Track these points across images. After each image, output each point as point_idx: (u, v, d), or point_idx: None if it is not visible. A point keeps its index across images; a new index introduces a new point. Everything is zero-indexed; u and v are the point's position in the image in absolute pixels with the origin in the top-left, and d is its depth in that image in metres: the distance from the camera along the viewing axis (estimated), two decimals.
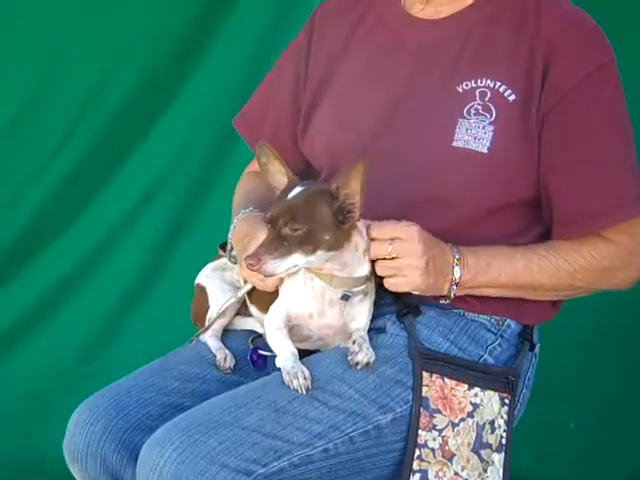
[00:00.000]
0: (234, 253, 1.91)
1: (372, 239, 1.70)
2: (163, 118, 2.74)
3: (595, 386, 2.64)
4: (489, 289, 1.79)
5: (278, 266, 1.62)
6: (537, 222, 1.85)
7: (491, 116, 1.78)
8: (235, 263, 1.93)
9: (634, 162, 1.81)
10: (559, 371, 2.56)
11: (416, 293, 1.74)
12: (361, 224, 1.70)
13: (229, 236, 1.91)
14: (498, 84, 1.79)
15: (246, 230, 1.84)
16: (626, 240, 1.79)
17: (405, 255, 1.69)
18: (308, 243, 1.63)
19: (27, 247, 2.76)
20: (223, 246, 1.98)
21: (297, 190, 1.67)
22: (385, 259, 1.70)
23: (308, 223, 1.63)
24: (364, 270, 1.73)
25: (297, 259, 1.63)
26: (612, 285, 1.84)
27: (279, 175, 1.72)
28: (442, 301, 1.78)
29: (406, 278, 1.70)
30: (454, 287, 1.75)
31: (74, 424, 1.80)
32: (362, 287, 1.74)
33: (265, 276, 1.66)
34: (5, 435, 2.77)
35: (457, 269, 1.74)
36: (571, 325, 2.45)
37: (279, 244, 1.62)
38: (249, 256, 1.62)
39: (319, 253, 1.65)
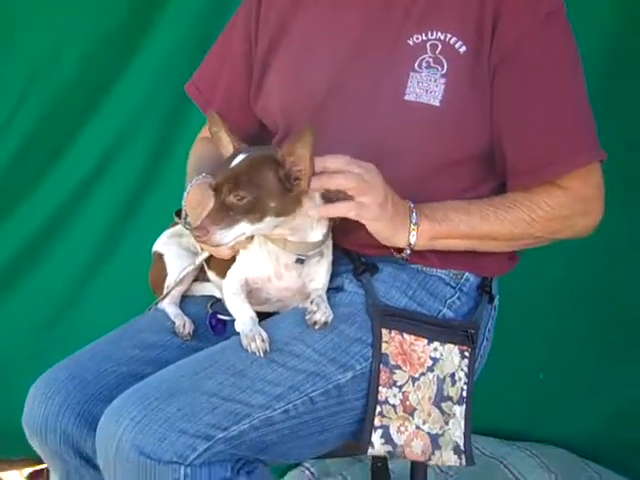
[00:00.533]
0: (189, 220, 1.89)
1: (322, 171, 1.63)
2: (116, 85, 2.69)
3: (563, 335, 2.64)
4: (449, 240, 1.77)
5: (225, 236, 1.60)
6: (491, 175, 1.84)
7: (442, 69, 1.76)
8: (190, 230, 1.91)
9: (587, 108, 1.80)
10: (526, 323, 2.57)
11: (377, 237, 1.71)
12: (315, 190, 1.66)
13: (183, 203, 1.89)
14: (449, 36, 1.77)
15: (199, 198, 1.81)
16: (581, 186, 1.79)
17: (364, 188, 1.63)
18: (254, 211, 1.61)
19: None
20: (179, 213, 1.95)
21: (241, 157, 1.64)
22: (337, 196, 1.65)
23: (253, 191, 1.60)
24: (317, 235, 1.71)
25: (244, 227, 1.61)
26: (572, 233, 1.84)
27: (229, 145, 1.70)
28: (402, 254, 1.76)
29: (366, 210, 1.65)
30: (414, 234, 1.72)
31: (32, 398, 1.78)
32: (316, 250, 1.73)
33: (213, 246, 1.64)
34: None
35: (414, 215, 1.73)
36: (535, 275, 2.46)
37: (225, 214, 1.60)
38: (197, 227, 1.61)
39: (267, 220, 1.63)
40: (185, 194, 1.89)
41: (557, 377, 2.65)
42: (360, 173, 1.65)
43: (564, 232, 1.83)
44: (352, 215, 1.67)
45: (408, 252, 1.75)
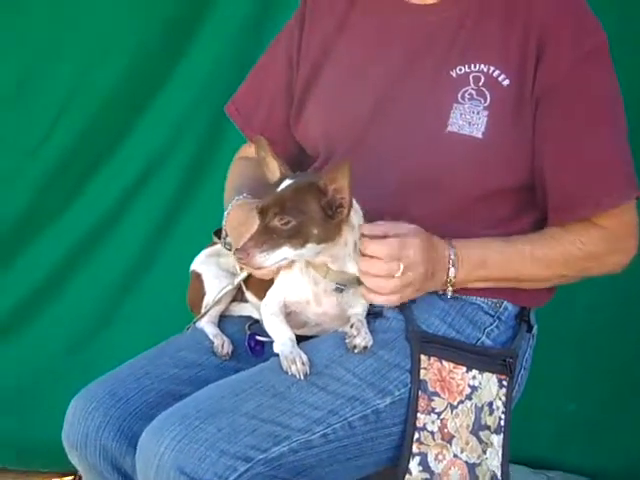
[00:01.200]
0: (229, 240, 1.91)
1: (363, 235, 1.68)
2: (155, 103, 2.72)
3: (595, 367, 2.63)
4: (482, 283, 1.80)
5: (266, 259, 1.62)
6: (531, 207, 1.84)
7: (485, 101, 1.77)
8: (230, 250, 1.92)
9: (626, 146, 1.81)
10: (558, 353, 2.57)
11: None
12: (354, 219, 1.69)
13: (223, 223, 1.91)
14: (492, 69, 1.78)
15: (241, 218, 1.83)
16: (616, 225, 1.79)
17: (406, 264, 1.66)
18: (297, 236, 1.63)
19: (19, 236, 2.74)
20: (218, 233, 1.97)
21: (287, 183, 1.67)
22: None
23: (297, 216, 1.63)
24: (354, 266, 1.72)
25: (286, 252, 1.63)
26: (603, 271, 1.85)
27: (276, 170, 1.73)
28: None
29: (410, 292, 1.69)
30: (449, 288, 1.75)
31: (72, 412, 1.80)
32: (354, 281, 1.73)
33: (254, 269, 1.66)
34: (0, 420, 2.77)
35: (452, 270, 1.75)
36: (569, 306, 2.45)
37: (268, 237, 1.62)
38: (238, 250, 1.62)
39: (308, 246, 1.65)
40: (225, 214, 1.91)
41: (588, 408, 2.64)
42: (398, 249, 1.65)
43: (595, 270, 1.84)
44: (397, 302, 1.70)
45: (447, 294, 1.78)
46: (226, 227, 1.90)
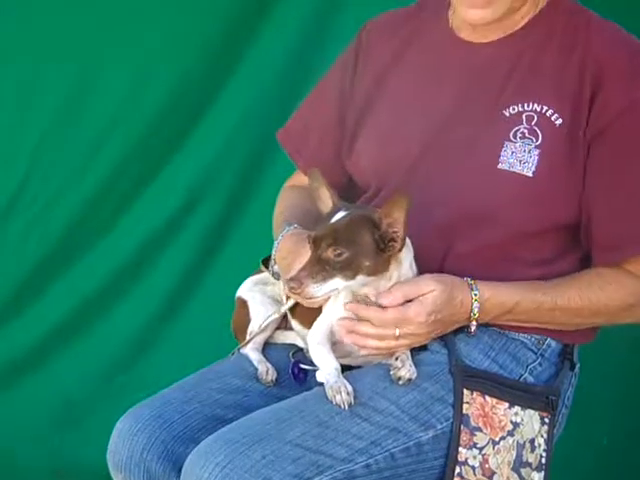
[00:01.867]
0: (277, 269, 1.93)
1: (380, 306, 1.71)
2: (199, 129, 2.73)
3: (628, 401, 2.62)
4: (510, 322, 1.81)
5: (319, 290, 1.65)
6: (575, 247, 1.85)
7: (537, 140, 1.79)
8: (278, 279, 1.95)
9: None
10: (591, 387, 2.55)
11: None
12: (402, 254, 1.71)
13: (273, 252, 1.93)
14: (545, 108, 1.79)
15: (291, 248, 1.85)
16: None
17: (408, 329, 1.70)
18: (349, 268, 1.65)
19: (65, 254, 2.77)
20: (265, 261, 1.99)
21: (341, 214, 1.69)
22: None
23: (350, 248, 1.65)
24: None
25: (337, 283, 1.66)
26: (633, 320, 1.85)
27: (328, 201, 1.75)
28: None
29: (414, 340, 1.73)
30: (473, 322, 1.76)
31: (118, 434, 1.82)
32: None
33: (306, 299, 1.68)
34: (42, 443, 2.79)
35: (474, 320, 1.76)
36: (606, 341, 2.44)
37: (321, 268, 1.65)
38: (292, 279, 1.64)
39: (359, 278, 1.67)
40: (275, 244, 1.93)
41: (621, 442, 2.62)
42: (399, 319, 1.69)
43: (626, 319, 1.85)
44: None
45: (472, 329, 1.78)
46: (275, 256, 1.92)
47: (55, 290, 2.79)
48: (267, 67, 2.68)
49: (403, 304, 1.70)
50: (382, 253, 1.67)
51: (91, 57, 2.70)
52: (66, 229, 2.76)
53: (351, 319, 1.74)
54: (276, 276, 1.94)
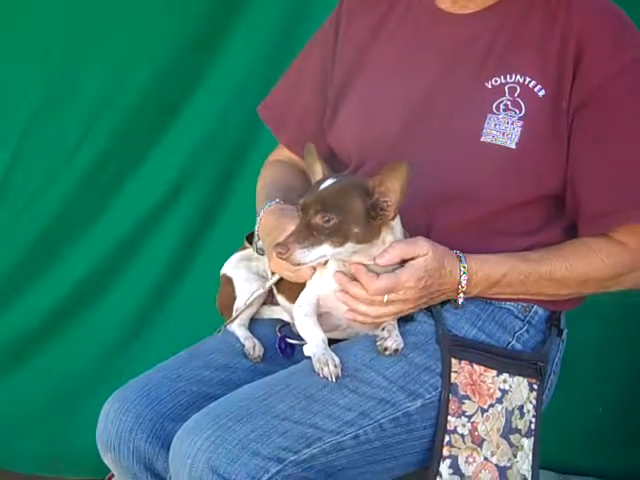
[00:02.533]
0: (260, 244, 1.92)
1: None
2: (185, 109, 2.71)
3: (623, 369, 2.62)
4: (497, 295, 1.81)
5: (306, 255, 1.63)
6: (560, 217, 1.85)
7: (520, 111, 1.77)
8: (262, 254, 1.94)
9: None
10: (585, 355, 2.55)
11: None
12: (395, 221, 1.70)
13: (256, 227, 1.92)
14: (528, 79, 1.78)
15: (274, 223, 1.84)
16: (638, 244, 1.79)
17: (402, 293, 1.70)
18: (338, 234, 1.64)
19: (54, 242, 2.76)
20: (249, 237, 1.99)
21: (330, 182, 1.68)
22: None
23: (339, 214, 1.64)
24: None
25: (325, 249, 1.64)
26: (621, 288, 1.84)
27: (320, 173, 1.74)
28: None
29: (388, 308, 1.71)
30: (461, 295, 1.76)
31: (106, 414, 1.82)
32: None
33: (293, 264, 1.66)
34: (36, 428, 2.80)
35: (462, 293, 1.75)
36: (594, 308, 2.44)
37: (308, 234, 1.63)
38: (278, 244, 1.63)
39: (348, 245, 1.66)
40: (258, 219, 1.92)
41: (617, 412, 2.62)
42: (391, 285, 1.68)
43: (615, 288, 1.84)
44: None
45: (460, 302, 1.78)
46: (259, 232, 1.91)
47: (45, 279, 2.79)
48: (245, 56, 2.68)
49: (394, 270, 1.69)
50: (373, 221, 1.66)
51: (70, 52, 2.68)
52: (53, 219, 2.75)
53: (345, 275, 1.73)
54: (260, 252, 1.93)
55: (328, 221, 1.63)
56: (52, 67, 2.69)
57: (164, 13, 2.65)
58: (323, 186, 1.68)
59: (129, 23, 2.65)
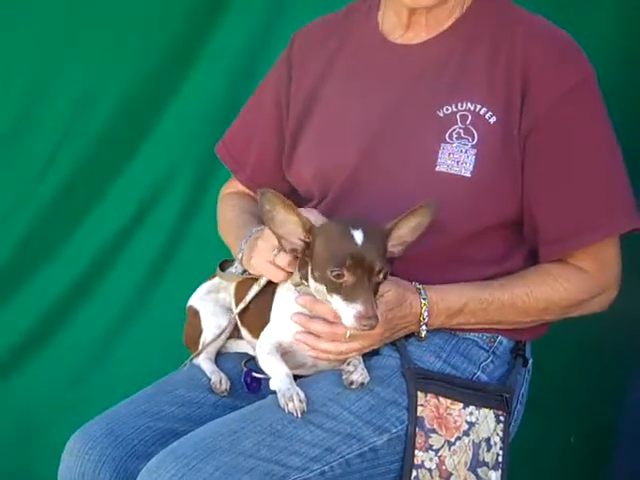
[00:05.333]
0: (239, 269, 1.91)
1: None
2: (150, 137, 2.69)
3: (593, 399, 2.62)
4: (460, 326, 1.82)
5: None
6: (521, 244, 1.85)
7: (473, 139, 1.78)
8: (242, 273, 1.91)
9: (620, 176, 1.81)
10: (554, 385, 2.56)
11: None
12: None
13: (239, 255, 1.89)
14: (478, 107, 1.79)
15: (268, 253, 1.79)
16: (597, 269, 1.80)
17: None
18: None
19: (15, 273, 2.73)
20: (222, 265, 1.98)
21: (361, 234, 1.63)
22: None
23: (388, 267, 1.65)
24: None
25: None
26: (584, 313, 1.86)
27: (289, 224, 1.67)
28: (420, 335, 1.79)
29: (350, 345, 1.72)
30: (423, 327, 1.77)
31: (69, 453, 1.79)
32: None
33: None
34: None
35: (424, 324, 1.77)
36: (563, 336, 2.45)
37: (373, 292, 1.63)
38: (370, 317, 1.58)
39: None
40: (243, 246, 1.88)
41: (589, 441, 2.62)
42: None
43: (577, 313, 1.85)
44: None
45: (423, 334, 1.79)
46: (254, 263, 1.82)
47: (10, 305, 2.74)
48: (214, 78, 2.67)
49: None
50: None
51: (34, 79, 2.65)
52: (15, 247, 2.72)
53: (304, 315, 1.72)
54: (246, 274, 1.90)
55: (385, 275, 1.64)
56: (15, 94, 2.67)
57: (129, 42, 2.64)
58: (359, 240, 1.62)
59: (94, 51, 2.64)
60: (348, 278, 1.61)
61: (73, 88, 2.66)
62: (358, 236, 1.63)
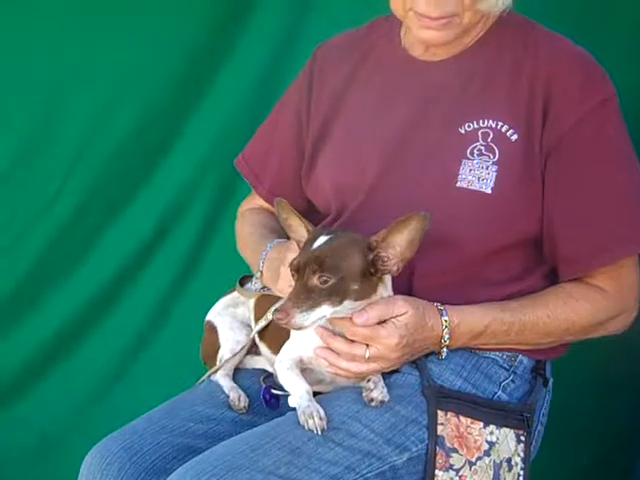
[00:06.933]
0: (258, 285, 1.91)
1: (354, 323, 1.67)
2: (168, 155, 2.68)
3: (607, 420, 2.60)
4: (480, 345, 1.80)
5: (306, 319, 1.61)
6: (541, 262, 1.84)
7: (494, 156, 1.78)
8: (262, 289, 1.92)
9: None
10: (569, 405, 2.54)
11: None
12: (387, 276, 1.69)
13: (260, 266, 1.90)
14: (500, 124, 1.79)
15: (277, 255, 1.83)
16: (617, 288, 1.80)
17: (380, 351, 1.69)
18: (336, 294, 1.62)
19: (34, 289, 2.73)
20: (242, 280, 1.98)
21: (323, 239, 1.66)
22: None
23: (337, 273, 1.62)
24: None
25: (325, 310, 1.63)
26: (604, 333, 1.85)
27: (301, 229, 1.73)
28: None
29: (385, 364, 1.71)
30: (444, 349, 1.75)
31: (87, 468, 1.79)
32: None
33: (294, 329, 1.65)
34: (17, 475, 2.75)
35: (445, 346, 1.75)
36: (581, 356, 2.43)
37: (307, 296, 1.61)
38: (277, 310, 1.61)
39: (346, 303, 1.64)
40: (262, 261, 1.89)
41: (602, 461, 2.60)
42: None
43: (598, 334, 1.84)
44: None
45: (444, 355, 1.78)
46: (263, 269, 1.87)
47: (24, 326, 2.74)
48: (234, 93, 2.67)
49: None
50: (371, 276, 1.65)
51: (50, 98, 2.65)
52: (32, 266, 2.72)
53: (327, 330, 1.71)
54: (265, 290, 1.91)
55: (326, 282, 1.61)
56: (31, 113, 2.67)
57: (143, 64, 2.65)
58: (316, 244, 1.66)
59: (111, 69, 2.64)
60: (296, 279, 1.63)
61: (92, 101, 2.66)
62: (318, 242, 1.65)
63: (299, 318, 1.60)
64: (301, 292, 1.61)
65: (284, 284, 1.77)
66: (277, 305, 1.64)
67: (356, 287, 1.63)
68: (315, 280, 1.61)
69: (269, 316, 1.81)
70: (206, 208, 2.70)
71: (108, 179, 2.69)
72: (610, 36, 2.36)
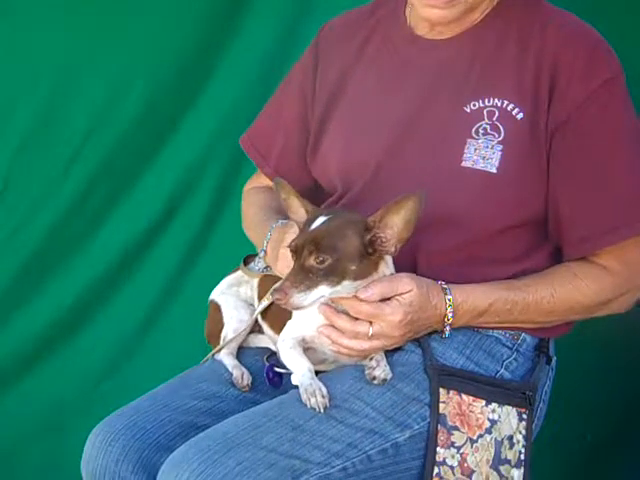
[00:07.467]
0: (261, 265, 1.91)
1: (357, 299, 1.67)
2: (176, 134, 2.70)
3: (611, 397, 2.61)
4: (483, 324, 1.80)
5: (304, 299, 1.62)
6: (546, 241, 1.84)
7: (499, 135, 1.77)
8: (265, 268, 1.92)
9: None
10: (572, 383, 2.54)
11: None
12: (389, 256, 1.69)
13: (264, 245, 1.90)
14: (506, 103, 1.78)
15: (280, 237, 1.83)
16: (623, 267, 1.79)
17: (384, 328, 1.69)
18: (334, 274, 1.63)
19: (42, 268, 2.74)
20: (247, 259, 1.98)
21: (321, 220, 1.66)
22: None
23: (333, 253, 1.62)
24: None
25: (323, 290, 1.63)
26: (608, 312, 1.84)
27: (300, 210, 1.73)
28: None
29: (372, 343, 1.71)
30: (447, 327, 1.75)
31: (91, 445, 1.80)
32: None
33: (292, 309, 1.65)
34: (24, 453, 2.77)
35: (448, 324, 1.75)
36: (584, 334, 2.43)
37: (304, 276, 1.62)
38: (276, 290, 1.62)
39: (345, 283, 1.64)
40: (266, 241, 1.89)
41: (605, 438, 2.61)
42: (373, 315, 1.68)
43: (602, 313, 1.84)
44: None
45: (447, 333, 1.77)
46: (267, 248, 1.88)
47: (33, 305, 2.76)
48: (242, 73, 2.68)
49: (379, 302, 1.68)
50: (369, 256, 1.65)
51: (59, 77, 2.66)
52: (42, 244, 2.73)
53: (330, 307, 1.71)
54: (267, 270, 1.91)
55: (322, 262, 1.62)
56: (41, 92, 2.68)
57: (150, 44, 2.65)
58: (314, 225, 1.66)
59: (119, 49, 2.64)
60: (294, 259, 1.64)
61: (99, 82, 2.66)
62: (316, 223, 1.65)
63: (297, 298, 1.61)
64: (299, 273, 1.62)
65: (283, 265, 1.77)
66: (276, 285, 1.65)
67: (354, 267, 1.64)
68: (312, 261, 1.62)
69: (269, 296, 1.81)
70: (214, 188, 2.71)
71: (115, 161, 2.70)
72: (618, 14, 2.34)
